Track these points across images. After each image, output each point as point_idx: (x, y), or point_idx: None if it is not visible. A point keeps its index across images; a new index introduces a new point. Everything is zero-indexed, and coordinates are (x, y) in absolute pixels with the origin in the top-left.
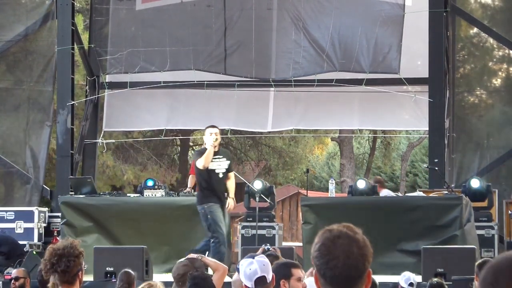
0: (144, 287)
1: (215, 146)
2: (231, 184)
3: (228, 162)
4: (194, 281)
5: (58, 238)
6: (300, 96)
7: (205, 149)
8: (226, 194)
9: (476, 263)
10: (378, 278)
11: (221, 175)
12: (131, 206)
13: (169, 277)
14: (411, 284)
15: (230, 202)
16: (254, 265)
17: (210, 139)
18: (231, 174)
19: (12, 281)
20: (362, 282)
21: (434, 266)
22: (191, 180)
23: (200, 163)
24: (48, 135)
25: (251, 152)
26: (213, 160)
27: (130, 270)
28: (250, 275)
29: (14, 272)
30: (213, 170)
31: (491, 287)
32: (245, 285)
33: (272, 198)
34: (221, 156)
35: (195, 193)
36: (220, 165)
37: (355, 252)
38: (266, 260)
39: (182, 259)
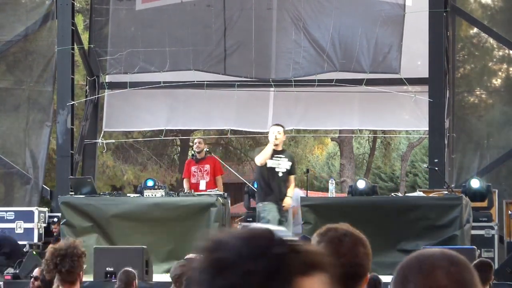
0: None
1: (276, 145)
2: (291, 186)
3: (290, 163)
4: (187, 282)
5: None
6: (300, 96)
7: None
8: (285, 195)
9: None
10: None
11: (280, 174)
12: (131, 206)
13: (168, 278)
14: None
15: (287, 200)
16: None
17: (272, 137)
18: (292, 178)
19: (32, 280)
20: (364, 282)
21: None
22: (186, 184)
23: (257, 159)
24: (48, 135)
25: (251, 152)
26: (274, 158)
27: (130, 269)
28: None
29: (36, 271)
30: (273, 169)
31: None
32: None
33: None
34: (283, 156)
35: (195, 193)
36: (280, 164)
37: (361, 251)
38: None
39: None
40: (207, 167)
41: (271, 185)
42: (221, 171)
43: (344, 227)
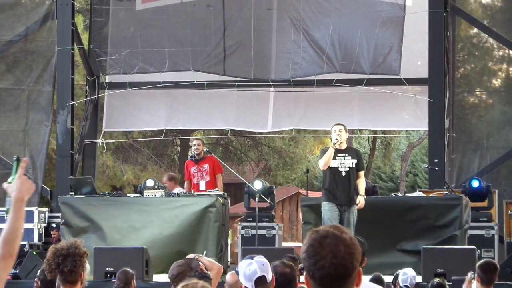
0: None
1: (339, 143)
2: (360, 183)
3: (354, 160)
4: None
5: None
6: (300, 96)
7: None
8: (353, 195)
9: (477, 264)
10: None
11: (343, 174)
12: (131, 206)
13: (167, 278)
14: (406, 287)
15: (361, 200)
16: (254, 265)
17: (333, 138)
18: (361, 173)
19: (36, 279)
20: (352, 281)
21: (434, 266)
22: (187, 186)
23: (320, 164)
24: (47, 136)
25: (251, 152)
26: (337, 158)
27: (128, 269)
28: (250, 275)
29: (40, 271)
30: (336, 168)
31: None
32: (245, 286)
33: (272, 198)
34: (346, 154)
35: (195, 193)
36: (343, 164)
37: (342, 251)
38: (265, 260)
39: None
40: (206, 166)
41: (333, 186)
42: (220, 169)
43: (329, 228)
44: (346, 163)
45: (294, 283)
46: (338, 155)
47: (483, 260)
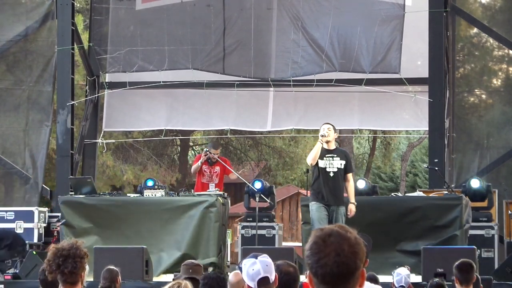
0: (173, 286)
1: (327, 142)
2: (349, 187)
3: (343, 162)
4: (204, 281)
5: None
6: (300, 96)
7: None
8: (341, 195)
9: (454, 265)
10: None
11: (332, 174)
12: (131, 206)
13: (168, 278)
14: (402, 287)
15: (352, 208)
16: (257, 265)
17: (321, 133)
18: (350, 176)
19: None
20: (355, 281)
21: (434, 266)
22: (195, 167)
23: (308, 159)
24: (47, 135)
25: (251, 152)
26: (325, 158)
27: (112, 267)
28: (253, 275)
29: (40, 270)
30: (324, 169)
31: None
32: (248, 285)
33: (272, 198)
34: (334, 155)
35: (195, 193)
36: (331, 164)
37: (346, 250)
38: (269, 260)
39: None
40: (217, 169)
41: (321, 186)
42: (229, 172)
43: (334, 227)
44: (334, 164)
45: (297, 283)
46: (326, 155)
47: (460, 261)
